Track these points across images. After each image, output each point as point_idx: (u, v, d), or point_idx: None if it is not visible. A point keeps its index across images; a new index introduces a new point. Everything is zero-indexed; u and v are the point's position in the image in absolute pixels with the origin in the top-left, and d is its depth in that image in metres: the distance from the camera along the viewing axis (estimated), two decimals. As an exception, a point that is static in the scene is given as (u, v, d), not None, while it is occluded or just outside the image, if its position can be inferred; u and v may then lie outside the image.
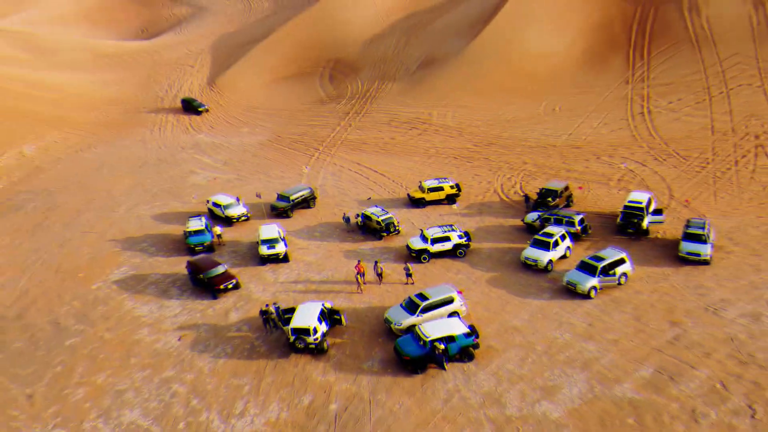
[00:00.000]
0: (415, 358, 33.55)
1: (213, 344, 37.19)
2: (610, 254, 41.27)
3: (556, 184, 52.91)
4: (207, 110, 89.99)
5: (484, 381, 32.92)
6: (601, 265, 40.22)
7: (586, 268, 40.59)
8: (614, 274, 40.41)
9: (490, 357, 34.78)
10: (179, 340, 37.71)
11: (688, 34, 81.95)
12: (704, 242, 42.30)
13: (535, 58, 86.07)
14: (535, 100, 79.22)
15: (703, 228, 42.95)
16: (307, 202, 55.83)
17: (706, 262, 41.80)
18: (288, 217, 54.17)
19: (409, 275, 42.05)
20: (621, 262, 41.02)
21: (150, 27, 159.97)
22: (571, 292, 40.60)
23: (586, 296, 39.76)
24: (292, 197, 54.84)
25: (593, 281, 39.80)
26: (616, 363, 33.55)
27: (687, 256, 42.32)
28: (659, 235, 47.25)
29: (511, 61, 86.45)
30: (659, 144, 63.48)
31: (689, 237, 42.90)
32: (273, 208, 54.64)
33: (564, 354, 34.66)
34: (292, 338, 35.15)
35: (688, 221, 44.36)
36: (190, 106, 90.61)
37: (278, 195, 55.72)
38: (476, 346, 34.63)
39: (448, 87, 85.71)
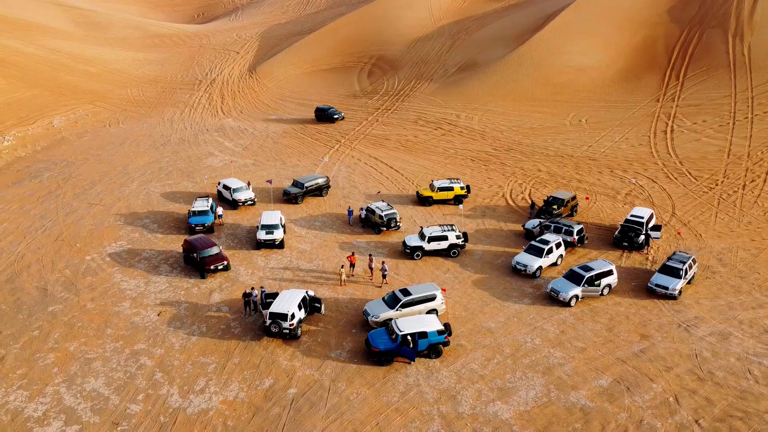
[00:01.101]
0: (383, 351, 32.89)
1: (189, 322, 37.23)
2: (599, 266, 40.06)
3: (564, 194, 51.37)
4: (343, 118, 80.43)
5: (445, 378, 32.19)
6: (587, 275, 39.00)
7: (572, 277, 39.48)
8: (598, 285, 39.26)
9: (457, 355, 33.96)
10: (158, 315, 37.89)
11: (727, 59, 79.11)
12: (677, 277, 39.73)
13: (572, 71, 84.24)
14: (564, 110, 77.45)
15: (683, 263, 40.47)
16: (320, 191, 55.86)
17: (672, 297, 39.33)
18: (297, 203, 54.24)
19: (384, 276, 41.23)
20: (608, 274, 39.84)
21: (207, 12, 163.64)
22: (552, 299, 39.50)
23: (566, 304, 38.64)
24: (306, 184, 54.95)
25: (576, 290, 38.68)
26: (577, 370, 32.91)
27: (654, 287, 39.92)
28: (652, 252, 45.70)
29: (548, 71, 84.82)
30: (674, 162, 61.28)
31: (665, 270, 40.49)
32: (285, 193, 54.74)
33: (529, 358, 33.74)
34: (268, 322, 34.88)
35: (674, 253, 42.26)
36: (324, 115, 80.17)
37: (293, 181, 55.96)
38: (446, 343, 33.84)
39: (480, 91, 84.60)
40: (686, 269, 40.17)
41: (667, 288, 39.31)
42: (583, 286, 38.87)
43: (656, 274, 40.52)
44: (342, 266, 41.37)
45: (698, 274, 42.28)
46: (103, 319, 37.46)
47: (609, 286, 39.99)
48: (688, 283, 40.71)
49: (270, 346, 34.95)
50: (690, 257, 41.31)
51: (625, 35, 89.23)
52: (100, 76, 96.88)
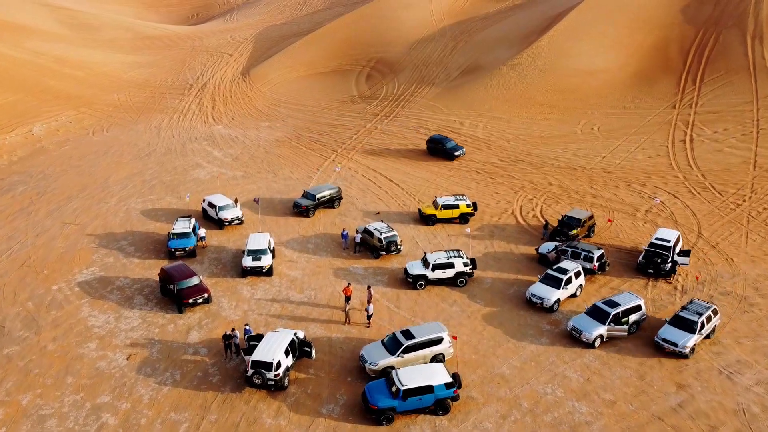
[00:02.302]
0: (382, 408, 28.49)
1: (162, 368, 32.82)
2: (625, 300, 35.69)
3: (580, 213, 46.93)
4: (464, 154, 64.15)
5: (457, 448, 27.75)
6: (613, 312, 34.60)
7: (596, 314, 35.13)
8: (625, 323, 34.82)
9: (468, 411, 29.65)
10: (127, 359, 33.48)
11: (746, 62, 74.61)
12: (691, 332, 33.65)
13: (581, 75, 79.74)
14: (574, 117, 72.94)
15: (699, 315, 34.22)
16: (332, 202, 52.43)
17: (683, 356, 33.29)
18: (309, 216, 50.73)
19: (368, 317, 36.73)
20: (636, 309, 35.45)
21: (201, 12, 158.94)
22: (573, 338, 35.06)
23: (589, 345, 34.28)
24: (318, 196, 51.32)
25: (600, 330, 34.33)
26: (608, 430, 28.49)
27: (661, 342, 33.85)
28: (680, 279, 41.20)
29: (556, 75, 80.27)
30: (696, 175, 56.86)
31: (677, 321, 34.34)
32: (295, 205, 50.97)
33: (551, 414, 29.47)
34: (250, 371, 30.47)
35: (690, 301, 36.20)
36: (440, 149, 63.96)
37: (304, 192, 52.39)
38: (455, 398, 29.50)
39: (485, 96, 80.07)
40: (703, 322, 33.96)
41: (676, 345, 33.22)
42: (609, 324, 34.46)
43: (666, 326, 34.49)
44: (347, 297, 37.04)
45: (735, 307, 37.72)
46: (65, 364, 33.04)
47: (637, 323, 35.59)
48: (707, 338, 34.63)
49: (252, 399, 30.55)
50: (710, 308, 34.90)
51: (637, 37, 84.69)
52: (86, 80, 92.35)
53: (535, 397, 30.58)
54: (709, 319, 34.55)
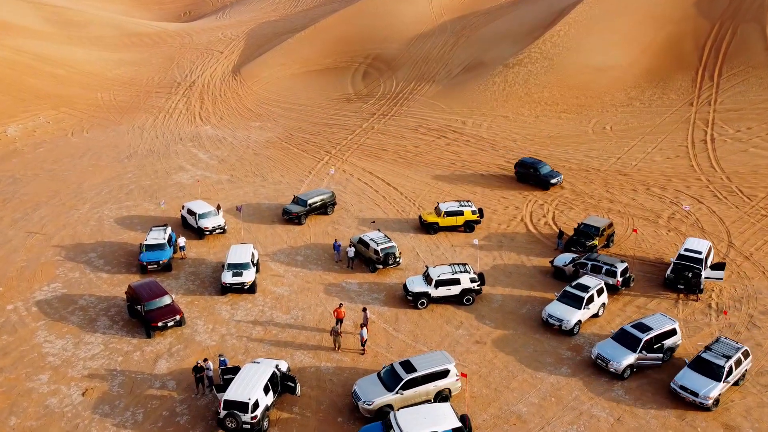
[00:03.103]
0: (378, 461, 23.91)
1: (123, 406, 28.22)
2: (658, 323, 31.12)
3: (598, 221, 42.40)
4: (561, 181, 52.87)
5: None
6: (645, 337, 30.04)
7: (625, 340, 30.54)
8: (659, 350, 30.21)
9: (483, 469, 24.99)
10: (82, 395, 28.87)
11: (766, 58, 70.11)
12: (716, 379, 27.80)
13: (591, 71, 75.26)
14: (584, 116, 68.42)
15: (727, 358, 28.32)
16: (325, 208, 47.91)
17: (706, 408, 27.51)
18: (300, 223, 46.24)
19: (363, 344, 32.12)
20: (671, 334, 30.89)
21: (194, 10, 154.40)
22: (599, 367, 30.49)
23: (618, 376, 29.72)
24: (310, 201, 46.88)
25: (630, 358, 29.75)
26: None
27: (678, 390, 28.25)
28: (714, 296, 36.65)
29: (564, 72, 75.78)
30: (720, 178, 52.32)
31: (698, 365, 28.61)
32: (285, 212, 46.47)
33: (586, 475, 24.71)
34: (222, 413, 25.88)
35: (716, 339, 30.09)
36: (533, 176, 52.64)
37: (294, 198, 47.83)
38: (465, 446, 24.88)
39: (488, 94, 75.56)
40: (731, 367, 28.02)
41: (697, 394, 27.44)
42: (641, 352, 29.88)
43: (685, 368, 28.84)
44: (338, 320, 32.51)
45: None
46: (10, 402, 28.43)
47: (671, 349, 31.04)
48: (735, 384, 28.90)
49: (225, 445, 25.97)
50: (740, 349, 28.93)
51: (649, 31, 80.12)
52: (68, 78, 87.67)
53: (558, 443, 26.06)
54: (738, 363, 28.64)
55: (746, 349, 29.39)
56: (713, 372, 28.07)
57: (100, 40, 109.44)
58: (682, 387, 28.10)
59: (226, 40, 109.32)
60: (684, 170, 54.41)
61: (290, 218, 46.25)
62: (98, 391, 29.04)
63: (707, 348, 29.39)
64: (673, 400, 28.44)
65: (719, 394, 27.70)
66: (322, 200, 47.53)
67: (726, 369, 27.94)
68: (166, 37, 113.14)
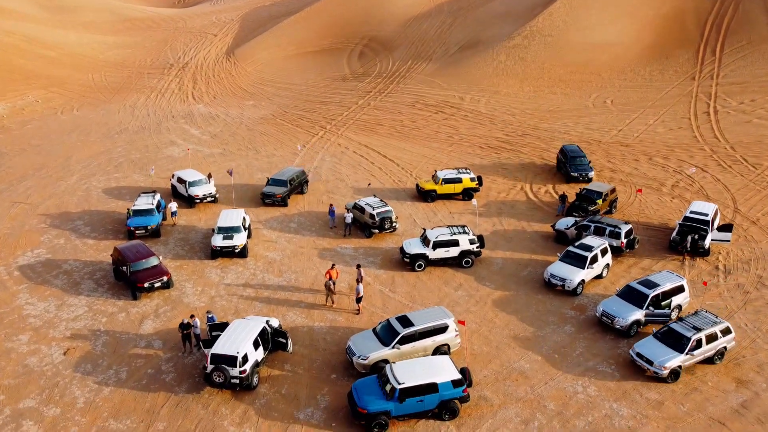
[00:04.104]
0: (373, 413, 22.62)
1: (106, 364, 26.89)
2: (665, 280, 29.78)
3: (601, 186, 41.14)
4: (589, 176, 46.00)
5: (468, 461, 21.92)
6: (652, 293, 28.71)
7: (631, 297, 29.21)
8: (667, 307, 28.92)
9: (481, 415, 23.83)
10: (63, 354, 27.55)
11: (768, 32, 68.89)
12: (678, 350, 25.59)
13: (591, 48, 73.94)
14: (585, 91, 67.11)
15: (697, 331, 25.93)
16: (301, 187, 45.26)
17: (661, 379, 25.43)
18: (285, 205, 42.97)
19: (358, 300, 30.76)
20: (678, 290, 29.56)
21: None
22: (604, 325, 29.22)
23: (624, 333, 28.39)
24: (289, 180, 43.50)
25: (637, 314, 28.39)
26: (665, 447, 22.49)
27: (634, 358, 26.27)
28: (720, 259, 35.39)
29: (564, 48, 74.45)
30: (724, 148, 51.06)
31: (666, 335, 26.41)
32: (267, 196, 42.68)
33: (584, 419, 23.74)
34: (209, 368, 24.58)
35: (696, 311, 27.84)
36: (562, 164, 47.43)
37: (271, 180, 43.89)
38: (465, 399, 23.60)
39: (487, 71, 74.19)
40: (699, 341, 25.75)
41: (651, 363, 25.49)
42: (647, 308, 28.62)
43: (649, 337, 26.92)
44: (330, 279, 31.11)
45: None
46: (-13, 361, 27.09)
47: (679, 306, 29.79)
48: (711, 362, 26.62)
49: (212, 402, 24.64)
50: (719, 323, 26.67)
51: (650, 8, 78.73)
52: (59, 60, 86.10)
53: (563, 398, 24.76)
54: (713, 338, 26.09)
55: (727, 326, 26.72)
56: (678, 343, 25.79)
57: (93, 25, 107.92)
58: (638, 354, 26.07)
59: (220, 24, 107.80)
60: (687, 141, 53.14)
61: (274, 201, 42.80)
62: (80, 351, 27.71)
63: (680, 318, 27.27)
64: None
65: (679, 367, 25.41)
66: (298, 178, 44.86)
67: (692, 341, 25.52)
68: (160, 21, 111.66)
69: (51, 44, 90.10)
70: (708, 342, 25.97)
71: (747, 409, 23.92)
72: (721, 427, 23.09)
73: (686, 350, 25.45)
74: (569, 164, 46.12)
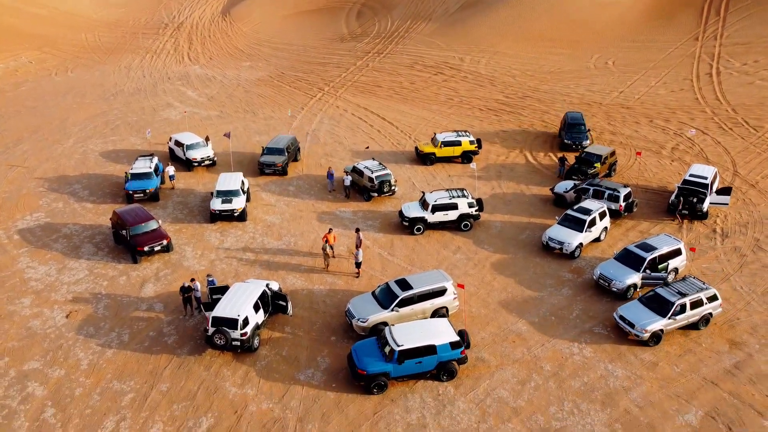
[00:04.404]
0: (372, 374, 22.98)
1: (108, 327, 27.17)
2: (663, 243, 29.90)
3: (601, 149, 40.99)
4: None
5: (463, 413, 22.45)
6: (649, 257, 28.90)
7: (628, 260, 29.45)
8: (664, 271, 29.14)
9: (478, 376, 24.18)
10: (66, 317, 27.80)
11: (775, -10, 67.74)
12: (661, 314, 25.60)
13: (592, 8, 72.94)
14: (586, 52, 66.41)
15: (682, 296, 25.85)
16: (295, 155, 44.11)
17: (643, 342, 25.61)
18: (285, 173, 41.68)
19: (357, 265, 30.83)
20: (675, 254, 29.72)
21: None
22: (601, 288, 29.49)
23: (620, 296, 28.65)
24: (287, 147, 42.27)
25: (634, 277, 28.64)
26: (650, 398, 23.24)
27: (617, 320, 26.38)
28: (718, 222, 35.49)
29: (565, 8, 73.46)
30: (726, 110, 50.73)
31: (650, 299, 26.45)
32: (266, 165, 41.11)
33: (580, 380, 24.05)
34: (210, 330, 24.85)
35: (683, 278, 27.66)
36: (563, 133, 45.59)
37: (267, 149, 42.08)
38: (463, 360, 23.96)
39: (487, 31, 73.22)
40: (683, 306, 25.69)
41: (633, 326, 25.61)
42: (644, 271, 28.85)
43: (634, 301, 27.00)
44: (327, 242, 31.16)
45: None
46: (-10, 324, 27.36)
47: (676, 269, 30.02)
48: (695, 328, 26.53)
49: (214, 364, 25.00)
50: (705, 289, 26.47)
51: (652, -33, 77.40)
52: (51, 19, 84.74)
53: (559, 359, 25.13)
54: (697, 304, 26.01)
55: (714, 293, 26.56)
56: (661, 307, 25.82)
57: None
58: (621, 317, 26.19)
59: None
60: (689, 103, 52.76)
61: (275, 170, 41.33)
62: (82, 314, 27.95)
63: (666, 283, 27.30)
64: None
65: (661, 331, 25.43)
66: (293, 145, 43.65)
67: (675, 305, 25.50)
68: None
69: (42, 2, 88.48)
70: (692, 308, 25.96)
71: (739, 370, 24.32)
72: (713, 387, 23.50)
73: (669, 315, 25.48)
74: (566, 131, 45.38)
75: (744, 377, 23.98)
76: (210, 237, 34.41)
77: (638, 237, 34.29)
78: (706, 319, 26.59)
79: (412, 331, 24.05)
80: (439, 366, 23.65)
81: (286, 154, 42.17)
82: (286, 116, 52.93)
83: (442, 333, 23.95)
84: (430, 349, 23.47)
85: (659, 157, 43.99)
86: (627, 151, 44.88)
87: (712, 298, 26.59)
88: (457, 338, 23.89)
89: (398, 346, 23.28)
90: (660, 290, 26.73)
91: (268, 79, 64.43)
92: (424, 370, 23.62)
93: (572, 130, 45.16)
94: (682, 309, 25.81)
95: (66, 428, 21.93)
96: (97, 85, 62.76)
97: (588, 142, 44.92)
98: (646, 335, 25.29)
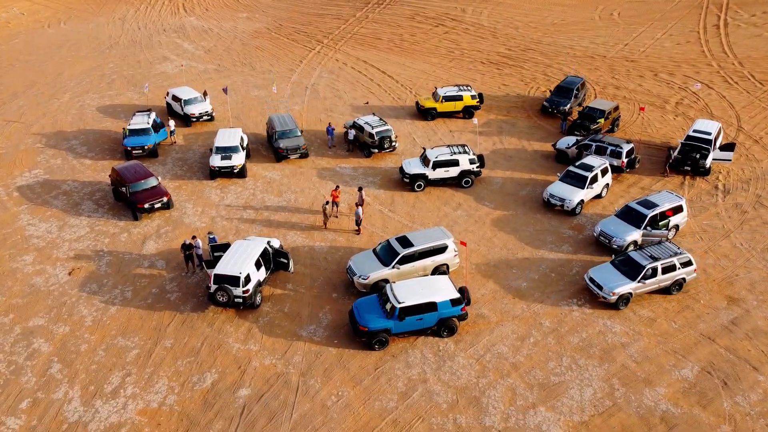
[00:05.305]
0: (373, 331, 23.24)
1: (111, 284, 27.35)
2: (664, 200, 29.85)
3: (604, 104, 40.50)
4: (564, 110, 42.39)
5: (463, 369, 22.83)
6: (650, 213, 28.90)
7: (629, 217, 29.49)
8: (665, 228, 29.16)
9: (478, 332, 24.51)
10: (69, 274, 27.96)
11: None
12: (630, 277, 25.47)
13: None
14: (590, 3, 65.07)
15: (654, 260, 25.55)
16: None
17: (612, 305, 25.54)
18: (307, 155, 37.82)
19: (357, 223, 30.82)
20: (677, 210, 29.79)
21: None
22: (602, 245, 29.57)
23: (621, 253, 28.69)
24: (299, 129, 38.23)
25: (635, 234, 28.76)
26: (647, 354, 23.59)
27: (587, 283, 26.25)
28: (720, 179, 35.37)
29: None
30: (732, 63, 49.93)
31: (622, 262, 26.25)
32: (291, 150, 36.83)
33: (578, 335, 24.42)
34: (213, 287, 25.01)
35: (660, 241, 27.66)
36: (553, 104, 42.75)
37: (281, 133, 37.23)
38: (463, 317, 24.23)
39: (488, -20, 71.37)
40: (655, 269, 25.43)
41: (601, 288, 25.42)
42: (645, 228, 28.88)
43: (605, 264, 26.76)
44: (327, 202, 31.02)
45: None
46: (-7, 281, 27.53)
47: (677, 226, 30.05)
48: (667, 293, 26.25)
49: (217, 320, 25.26)
50: (679, 254, 26.03)
51: None
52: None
53: (558, 315, 25.39)
54: (669, 269, 25.64)
55: (689, 258, 26.14)
56: (632, 270, 25.60)
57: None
58: (591, 279, 26.00)
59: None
60: (694, 56, 51.91)
61: (302, 154, 37.20)
62: (85, 271, 28.10)
63: (640, 247, 26.97)
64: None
65: (630, 293, 25.32)
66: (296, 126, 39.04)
67: (646, 269, 25.29)
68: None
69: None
70: (664, 272, 25.66)
71: (736, 326, 24.61)
72: (710, 342, 23.83)
73: (638, 278, 25.31)
74: (553, 92, 43.50)
75: (741, 333, 24.28)
76: (210, 194, 34.32)
77: (640, 193, 34.22)
78: (679, 284, 26.33)
79: (413, 288, 24.22)
80: (439, 322, 23.91)
81: (301, 134, 38.22)
82: (283, 72, 52.10)
83: (442, 290, 24.13)
84: (431, 306, 23.69)
85: (663, 112, 43.54)
86: (630, 106, 44.38)
87: (686, 264, 26.19)
88: (458, 295, 24.08)
89: (399, 303, 23.47)
90: (632, 254, 26.43)
91: (265, 31, 63.19)
92: (425, 326, 23.89)
93: (559, 93, 42.99)
94: (653, 273, 25.56)
95: (72, 383, 22.30)
96: (92, 37, 61.59)
97: (568, 107, 41.88)
98: (614, 298, 25.16)
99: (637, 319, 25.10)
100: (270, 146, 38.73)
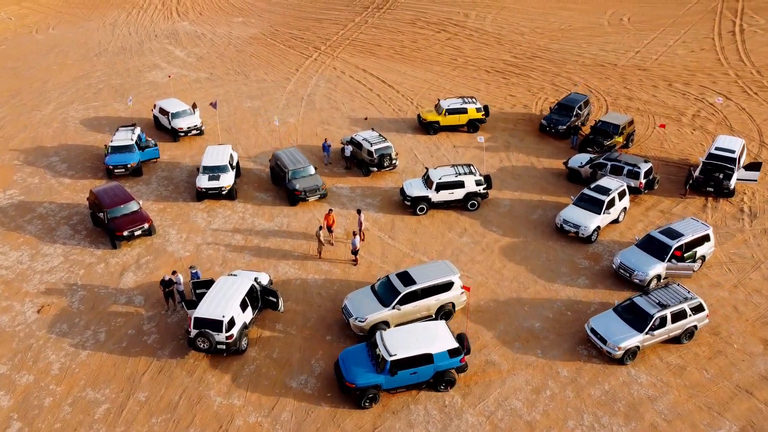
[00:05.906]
0: (362, 387, 20.72)
1: (83, 324, 24.89)
2: (689, 229, 27.34)
3: (618, 118, 37.99)
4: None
5: (472, 429, 20.47)
6: (675, 244, 26.35)
7: (651, 247, 26.93)
8: (691, 259, 26.64)
9: (489, 382, 22.03)
10: (38, 312, 25.50)
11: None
12: (638, 329, 22.67)
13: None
14: (599, 7, 62.59)
15: (663, 308, 22.84)
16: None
17: (617, 360, 22.86)
18: (326, 196, 33.37)
19: (354, 253, 28.16)
20: (703, 240, 27.19)
21: None
22: (621, 279, 27.09)
23: (643, 288, 26.21)
24: (308, 166, 33.65)
25: (658, 267, 26.18)
26: (678, 409, 21.08)
27: (589, 335, 23.46)
28: (745, 201, 32.92)
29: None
30: (750, 72, 47.46)
31: (627, 309, 23.51)
32: (303, 193, 32.30)
33: (600, 387, 21.94)
34: (192, 333, 22.51)
35: (666, 284, 24.70)
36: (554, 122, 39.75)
37: (294, 171, 32.81)
38: (463, 368, 21.67)
39: (492, -17, 68.99)
40: (663, 319, 22.72)
41: (605, 342, 22.66)
42: (669, 261, 26.38)
43: (608, 311, 23.95)
44: (320, 227, 28.52)
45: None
46: (-46, 321, 25.08)
47: (703, 257, 27.57)
48: (678, 342, 23.57)
49: (199, 368, 22.79)
50: (690, 299, 23.38)
51: None
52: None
53: (577, 363, 22.89)
54: (680, 316, 23.03)
55: (700, 303, 23.50)
56: (638, 320, 22.87)
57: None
58: (593, 330, 23.32)
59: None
60: (710, 64, 49.42)
61: (321, 195, 32.86)
62: (56, 308, 25.66)
63: (645, 292, 24.05)
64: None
65: (638, 347, 22.59)
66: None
67: (654, 319, 22.55)
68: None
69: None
70: (674, 320, 22.97)
71: (776, 377, 22.16)
72: (748, 396, 21.36)
73: (646, 329, 22.52)
74: (553, 109, 40.55)
75: (781, 385, 21.82)
76: (196, 217, 31.86)
77: (659, 216, 31.75)
78: (690, 333, 23.63)
79: (406, 337, 21.66)
80: (436, 375, 21.38)
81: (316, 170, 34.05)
82: (278, 81, 49.65)
83: (439, 339, 21.59)
84: (426, 358, 21.13)
85: (679, 125, 41.05)
86: (644, 119, 41.91)
87: (698, 309, 23.51)
88: (456, 344, 21.54)
89: (391, 355, 20.91)
90: (638, 300, 23.59)
91: (261, 37, 60.75)
92: (420, 380, 21.35)
93: (559, 111, 40.03)
94: (662, 322, 22.84)
95: (33, 445, 19.87)
96: (81, 43, 59.16)
97: (563, 128, 39.00)
98: (619, 353, 22.44)
99: (664, 367, 22.61)
100: (274, 184, 34.72)
